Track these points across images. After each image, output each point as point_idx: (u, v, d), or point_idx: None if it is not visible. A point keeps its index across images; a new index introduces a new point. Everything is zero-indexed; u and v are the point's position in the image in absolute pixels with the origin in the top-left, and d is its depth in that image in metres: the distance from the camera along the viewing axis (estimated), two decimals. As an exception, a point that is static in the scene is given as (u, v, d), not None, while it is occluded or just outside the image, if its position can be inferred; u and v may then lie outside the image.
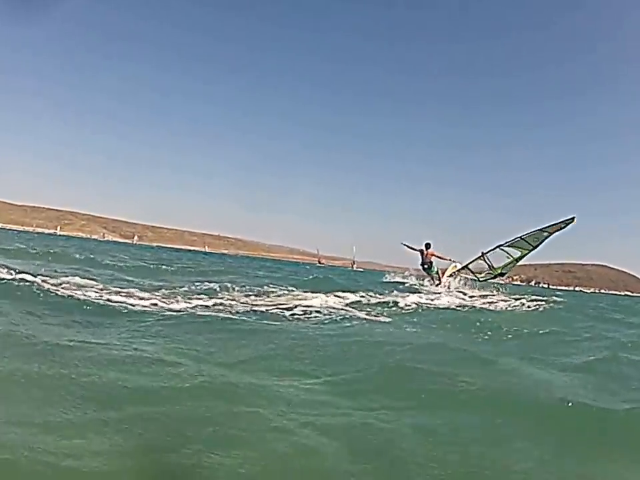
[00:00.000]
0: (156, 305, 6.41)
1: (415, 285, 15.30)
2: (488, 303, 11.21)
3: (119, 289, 7.47)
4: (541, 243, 14.62)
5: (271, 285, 10.60)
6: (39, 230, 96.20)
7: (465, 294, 12.94)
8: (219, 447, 2.39)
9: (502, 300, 11.73)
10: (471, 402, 3.38)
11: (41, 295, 5.93)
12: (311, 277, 16.90)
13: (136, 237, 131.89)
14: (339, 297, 9.05)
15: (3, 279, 6.50)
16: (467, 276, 15.41)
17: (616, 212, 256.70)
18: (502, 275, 15.44)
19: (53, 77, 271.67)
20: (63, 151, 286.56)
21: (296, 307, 7.40)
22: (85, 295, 6.32)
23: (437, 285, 14.88)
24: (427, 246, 15.10)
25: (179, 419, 2.69)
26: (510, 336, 6.54)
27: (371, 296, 10.02)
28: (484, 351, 5.35)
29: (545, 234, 14.38)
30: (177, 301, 6.85)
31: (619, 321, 11.52)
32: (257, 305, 7.45)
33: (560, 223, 14.08)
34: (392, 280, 16.85)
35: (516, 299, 11.93)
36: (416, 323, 7.32)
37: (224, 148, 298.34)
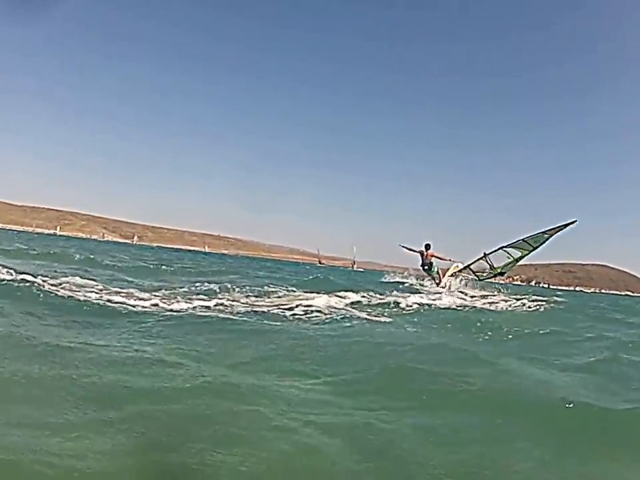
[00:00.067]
0: (156, 305, 6.41)
1: (415, 284, 15.30)
2: (489, 303, 11.22)
3: (119, 290, 7.47)
4: (541, 244, 14.71)
5: (272, 285, 10.60)
6: (39, 230, 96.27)
7: (465, 294, 12.94)
8: (221, 446, 2.39)
9: (503, 300, 11.73)
10: (471, 402, 3.38)
11: (41, 295, 5.92)
12: (311, 277, 16.89)
13: (136, 237, 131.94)
14: (339, 297, 9.04)
15: (4, 279, 6.49)
16: (467, 276, 15.41)
17: (616, 212, 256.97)
18: (501, 274, 15.48)
19: (52, 77, 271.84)
20: (63, 151, 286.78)
21: (296, 307, 7.39)
22: (85, 296, 6.31)
23: (437, 285, 14.86)
24: (427, 247, 15.08)
25: (180, 418, 2.69)
26: (511, 336, 6.54)
27: (371, 296, 10.02)
28: (485, 351, 5.35)
29: (546, 236, 14.46)
30: (178, 302, 6.84)
31: (620, 321, 11.53)
32: (257, 305, 7.45)
33: (562, 225, 14.18)
34: (392, 280, 16.84)
35: (517, 299, 11.94)
36: (416, 323, 7.32)
37: (224, 148, 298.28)
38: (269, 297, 8.65)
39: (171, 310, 6.16)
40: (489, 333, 6.63)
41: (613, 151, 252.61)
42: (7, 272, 7.01)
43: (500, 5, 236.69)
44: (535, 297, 12.76)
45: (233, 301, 7.55)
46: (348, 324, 6.45)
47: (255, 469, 2.25)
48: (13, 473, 2.02)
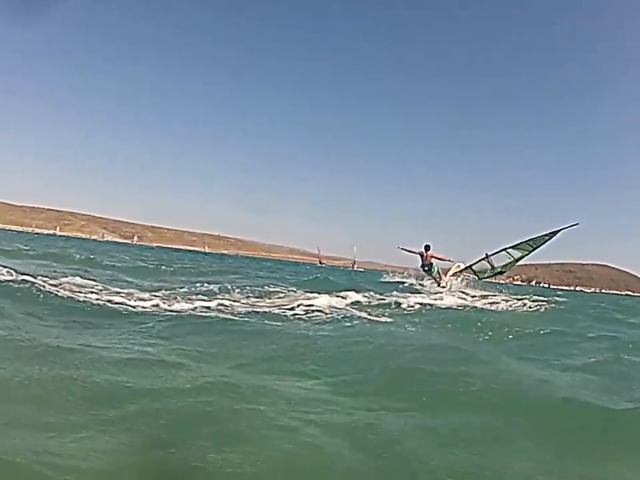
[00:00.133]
0: (157, 305, 6.40)
1: (415, 284, 15.30)
2: (489, 303, 11.20)
3: (119, 290, 7.46)
4: (541, 245, 14.85)
5: (272, 285, 10.59)
6: (39, 230, 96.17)
7: (466, 294, 12.93)
8: (223, 445, 2.39)
9: (503, 300, 11.71)
10: (472, 402, 3.38)
11: (41, 296, 5.92)
12: (311, 277, 16.89)
13: (136, 237, 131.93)
14: (339, 297, 9.03)
15: (4, 279, 6.48)
16: (467, 276, 15.43)
17: (616, 212, 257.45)
18: (501, 273, 15.62)
19: (52, 78, 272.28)
20: (63, 152, 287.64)
21: (297, 307, 7.39)
22: (85, 296, 6.31)
23: (438, 285, 14.86)
24: (427, 248, 15.10)
25: (181, 418, 2.69)
26: (511, 336, 6.54)
27: (371, 296, 10.01)
28: (485, 351, 5.34)
29: (547, 237, 14.60)
30: (178, 302, 6.83)
31: (621, 321, 11.52)
32: (258, 306, 7.44)
33: (563, 228, 14.34)
34: (391, 280, 16.85)
35: (518, 299, 11.92)
36: (417, 323, 7.31)
37: (224, 149, 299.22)
38: (269, 297, 8.64)
39: (172, 310, 6.16)
40: (490, 333, 6.63)
41: (613, 151, 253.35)
42: (7, 272, 7.00)
43: (500, 5, 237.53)
44: (535, 297, 12.75)
45: (233, 301, 7.54)
46: (348, 324, 6.44)
47: (257, 467, 2.25)
48: (15, 474, 2.02)
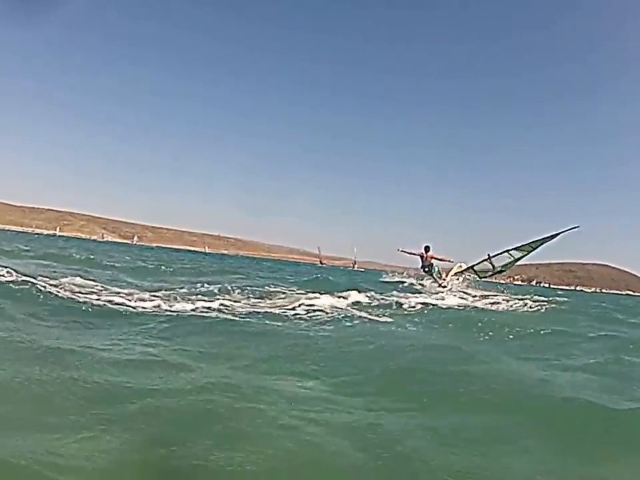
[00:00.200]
0: (157, 306, 6.40)
1: (415, 284, 15.33)
2: (490, 303, 11.21)
3: (120, 290, 7.46)
4: (540, 245, 15.06)
5: (273, 286, 10.60)
6: (39, 231, 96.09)
7: (467, 294, 12.94)
8: (225, 444, 2.40)
9: (504, 300, 11.70)
10: (473, 402, 3.38)
11: (42, 296, 5.91)
12: (311, 277, 16.90)
13: (135, 238, 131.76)
14: (340, 297, 9.03)
15: (4, 280, 6.47)
16: (468, 276, 15.53)
17: (617, 211, 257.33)
18: (501, 272, 15.81)
19: (52, 79, 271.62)
20: (63, 152, 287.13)
21: (298, 307, 7.39)
22: (85, 297, 6.31)
23: (439, 285, 14.88)
24: (426, 249, 15.19)
25: (184, 418, 2.69)
26: (512, 336, 6.54)
27: (372, 296, 10.01)
28: (486, 351, 5.34)
29: (548, 239, 14.80)
30: (178, 302, 6.83)
31: (622, 321, 11.51)
32: (259, 306, 7.44)
33: (564, 230, 14.51)
34: (391, 280, 16.87)
35: (518, 299, 11.91)
36: (418, 323, 7.31)
37: (224, 150, 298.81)
38: (270, 297, 8.64)
39: (172, 311, 6.15)
40: (490, 333, 6.63)
41: (613, 151, 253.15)
42: (7, 272, 6.99)
43: (500, 5, 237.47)
44: (536, 297, 12.74)
45: (234, 301, 7.54)
46: (349, 324, 6.44)
47: (259, 466, 2.26)
48: (18, 474, 2.01)
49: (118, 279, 10.16)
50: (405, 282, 15.85)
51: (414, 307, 8.99)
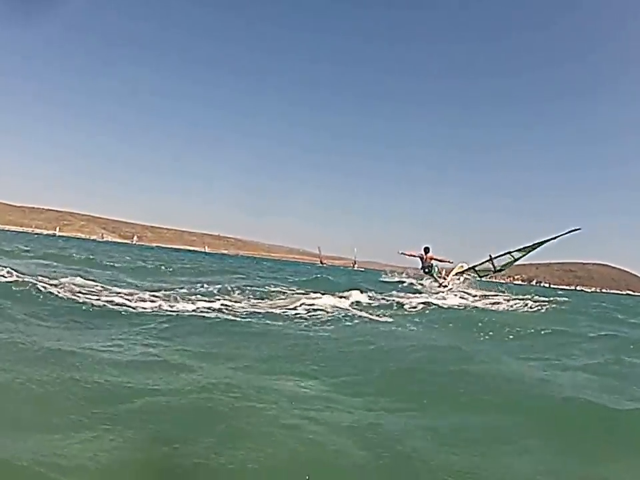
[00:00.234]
0: (158, 306, 6.39)
1: (415, 284, 15.39)
2: (491, 303, 11.21)
3: (120, 291, 7.45)
4: (540, 245, 15.26)
5: (273, 286, 10.60)
6: (38, 231, 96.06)
7: (468, 294, 12.96)
8: (227, 443, 2.40)
9: (505, 300, 11.71)
10: (474, 402, 3.38)
11: (42, 296, 5.91)
12: (312, 277, 16.92)
13: (135, 238, 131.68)
14: (340, 296, 9.03)
15: (4, 280, 6.46)
16: (469, 276, 15.66)
17: (617, 211, 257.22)
18: (500, 271, 16.04)
19: (52, 80, 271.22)
20: (63, 152, 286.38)
21: (298, 307, 7.40)
22: (85, 297, 6.30)
23: (439, 285, 14.93)
24: (426, 250, 15.34)
25: (185, 417, 2.69)
26: (512, 336, 6.54)
27: (372, 296, 10.03)
28: (487, 351, 5.35)
29: (548, 240, 15.10)
30: (179, 303, 6.82)
31: (622, 321, 11.51)
32: (259, 306, 7.44)
33: (565, 232, 14.81)
34: (391, 280, 16.93)
35: (519, 299, 11.91)
36: (418, 322, 7.32)
37: (224, 151, 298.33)
38: (270, 298, 8.63)
39: (173, 311, 6.14)
40: (491, 333, 6.64)
41: (613, 151, 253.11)
42: (7, 273, 6.99)
43: (500, 5, 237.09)
44: (537, 297, 12.74)
45: (234, 301, 7.53)
46: (350, 324, 6.44)
47: (261, 464, 2.27)
48: (20, 475, 2.01)
49: (118, 279, 10.15)
50: (404, 282, 15.92)
51: (415, 307, 9.00)
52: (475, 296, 12.60)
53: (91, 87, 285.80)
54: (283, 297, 8.86)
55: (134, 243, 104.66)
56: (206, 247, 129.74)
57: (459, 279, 15.41)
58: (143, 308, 6.17)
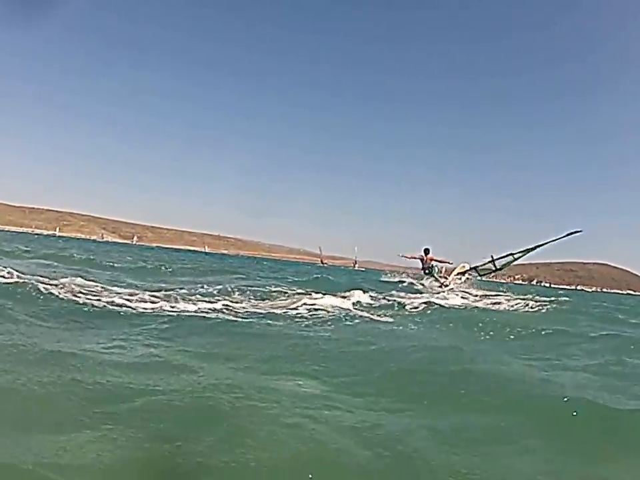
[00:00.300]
0: (158, 307, 6.38)
1: (415, 284, 15.43)
2: (492, 303, 11.22)
3: (120, 291, 7.44)
4: (540, 247, 15.48)
5: (274, 286, 10.60)
6: (38, 231, 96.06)
7: (469, 294, 12.99)
8: (229, 442, 2.41)
9: (506, 300, 11.72)
10: (474, 402, 3.39)
11: (42, 297, 5.90)
12: (312, 277, 16.93)
13: (135, 238, 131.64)
14: (342, 297, 9.03)
15: (5, 281, 6.46)
16: (470, 276, 15.79)
17: (617, 210, 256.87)
18: (499, 269, 16.22)
19: (52, 81, 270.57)
20: (63, 153, 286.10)
21: (299, 307, 7.40)
22: (86, 297, 6.30)
23: (440, 285, 14.98)
24: (426, 251, 15.50)
25: (186, 417, 2.69)
26: (513, 336, 6.55)
27: (373, 296, 10.03)
28: (488, 351, 5.35)
29: (548, 242, 15.27)
30: (179, 303, 6.81)
31: (623, 321, 11.52)
32: (260, 306, 7.43)
33: (567, 234, 14.91)
34: (391, 279, 16.98)
35: (520, 299, 11.93)
36: (419, 322, 7.32)
37: (224, 152, 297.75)
38: (271, 298, 8.63)
39: (173, 311, 6.14)
40: (491, 333, 6.64)
41: (613, 151, 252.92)
42: (8, 273, 6.98)
43: (500, 5, 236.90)
44: (538, 297, 12.76)
45: (235, 302, 7.53)
46: (350, 324, 6.44)
47: (263, 463, 2.28)
48: (22, 475, 2.01)
49: (118, 279, 10.15)
50: (404, 282, 15.99)
51: (416, 307, 9.01)
52: (476, 296, 12.63)
53: (91, 88, 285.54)
54: (284, 297, 8.86)
55: (134, 243, 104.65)
56: (206, 247, 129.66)
57: (460, 279, 15.49)
58: (144, 308, 6.16)
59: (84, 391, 2.92)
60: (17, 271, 7.35)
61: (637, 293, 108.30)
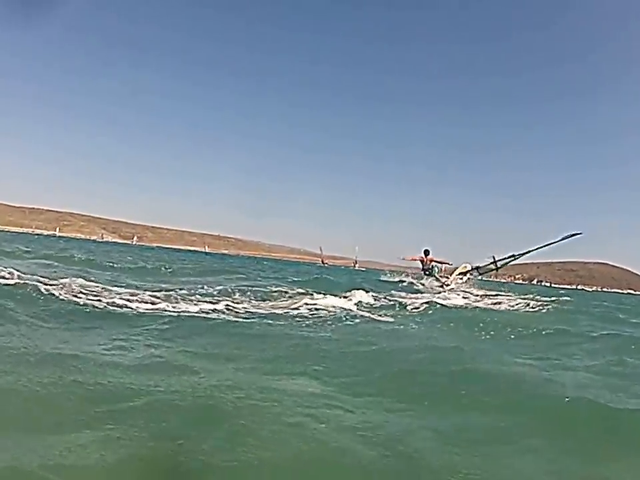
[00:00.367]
0: (159, 307, 6.38)
1: (415, 283, 15.46)
2: (493, 303, 11.22)
3: (121, 291, 7.44)
4: (540, 248, 15.64)
5: (274, 286, 10.59)
6: (39, 231, 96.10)
7: (470, 293, 13.00)
8: (230, 442, 2.41)
9: (507, 300, 11.72)
10: (475, 402, 3.38)
11: (43, 298, 5.90)
12: (313, 277, 16.94)
13: (135, 238, 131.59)
14: (342, 297, 9.03)
15: (5, 281, 6.46)
16: (471, 275, 15.86)
17: (617, 211, 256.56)
18: (499, 268, 16.34)
19: (52, 81, 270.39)
20: (63, 153, 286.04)
21: (300, 307, 7.39)
22: (86, 298, 6.30)
23: (441, 285, 15.00)
24: (426, 252, 15.58)
25: (189, 418, 2.69)
26: (514, 336, 6.54)
27: (374, 296, 10.03)
28: (489, 350, 5.36)
29: (549, 244, 15.46)
30: (180, 303, 6.81)
31: (623, 320, 11.51)
32: (261, 306, 7.43)
33: (567, 236, 15.08)
34: (391, 279, 17.00)
35: (521, 299, 11.93)
36: (420, 322, 7.32)
37: (224, 152, 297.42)
38: (272, 298, 8.63)
39: (174, 312, 6.13)
40: (492, 333, 6.64)
41: (613, 151, 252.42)
42: (9, 274, 6.99)
43: (500, 5, 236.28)
44: (538, 297, 12.77)
45: (236, 302, 7.52)
46: (351, 324, 6.44)
47: (265, 462, 2.28)
48: (24, 476, 2.01)
49: (119, 279, 10.15)
50: (404, 281, 16.04)
51: (417, 307, 9.01)
52: (477, 296, 12.63)
53: (91, 88, 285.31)
54: (285, 297, 8.85)
55: (134, 243, 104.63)
56: (206, 247, 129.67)
57: (461, 279, 15.54)
58: (145, 309, 6.16)
59: (85, 392, 2.92)
60: (17, 271, 7.36)
61: (637, 293, 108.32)
